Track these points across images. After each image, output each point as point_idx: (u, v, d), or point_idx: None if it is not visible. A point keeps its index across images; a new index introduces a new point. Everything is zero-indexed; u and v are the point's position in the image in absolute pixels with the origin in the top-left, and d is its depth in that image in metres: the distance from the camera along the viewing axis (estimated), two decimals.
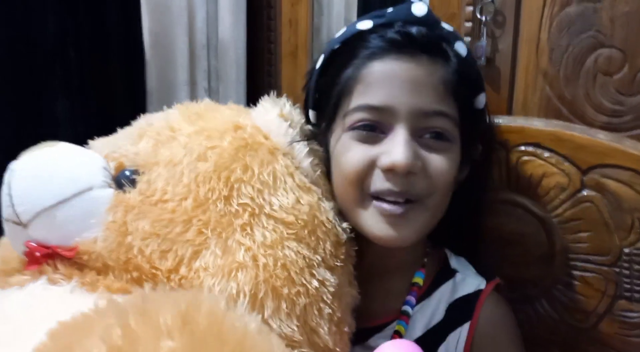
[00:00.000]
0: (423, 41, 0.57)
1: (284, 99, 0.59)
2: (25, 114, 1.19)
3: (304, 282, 0.48)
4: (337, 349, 0.50)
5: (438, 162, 0.56)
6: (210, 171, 0.50)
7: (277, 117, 0.56)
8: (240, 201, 0.49)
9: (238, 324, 0.31)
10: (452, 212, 0.61)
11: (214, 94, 1.59)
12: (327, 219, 0.54)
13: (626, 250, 0.62)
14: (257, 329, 0.33)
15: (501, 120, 0.70)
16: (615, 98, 1.02)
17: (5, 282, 0.51)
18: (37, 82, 1.18)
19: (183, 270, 0.46)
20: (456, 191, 0.61)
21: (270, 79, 1.60)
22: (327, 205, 0.55)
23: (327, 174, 0.60)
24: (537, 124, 0.68)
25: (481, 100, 0.62)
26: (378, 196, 0.56)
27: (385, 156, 0.55)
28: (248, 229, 0.48)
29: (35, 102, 1.19)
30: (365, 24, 0.60)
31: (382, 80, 0.56)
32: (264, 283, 0.46)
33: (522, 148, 0.68)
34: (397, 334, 0.60)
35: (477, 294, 0.62)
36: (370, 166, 0.56)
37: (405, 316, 0.61)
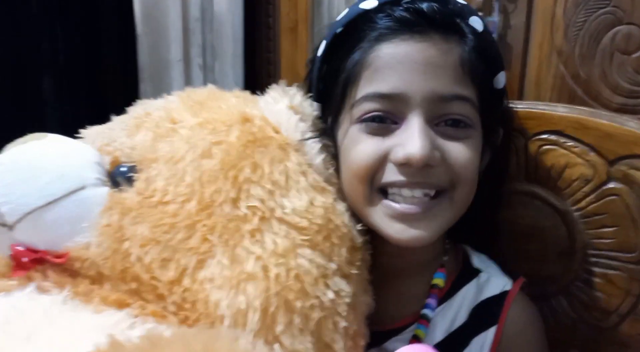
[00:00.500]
0: (435, 18, 0.51)
1: (294, 89, 0.54)
2: (10, 91, 1.13)
3: (318, 294, 0.44)
4: None
5: (459, 151, 0.51)
6: (216, 170, 0.46)
7: (286, 109, 0.51)
8: (249, 204, 0.45)
9: None
10: (473, 204, 0.57)
11: (209, 71, 1.53)
12: (343, 222, 0.49)
13: None
14: None
15: (520, 106, 0.65)
16: (633, 78, 0.99)
17: None
18: (23, 59, 1.12)
19: (186, 281, 0.42)
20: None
21: (269, 55, 1.54)
22: (341, 206, 0.51)
23: (337, 171, 0.55)
24: (561, 110, 0.63)
25: (501, 79, 0.57)
26: (388, 191, 0.52)
27: (399, 149, 0.50)
28: (258, 235, 0.44)
29: (21, 78, 1.14)
30: (370, 3, 0.54)
31: (392, 64, 0.51)
32: (275, 296, 0.42)
33: (543, 136, 0.64)
34: (416, 339, 0.57)
35: (502, 295, 0.59)
36: (381, 161, 0.51)
37: (425, 320, 0.57)
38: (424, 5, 0.51)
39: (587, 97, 1.04)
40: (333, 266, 0.46)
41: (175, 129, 0.48)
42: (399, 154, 0.50)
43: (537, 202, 0.65)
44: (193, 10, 1.33)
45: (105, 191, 0.46)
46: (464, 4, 0.55)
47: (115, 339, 0.31)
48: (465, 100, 0.52)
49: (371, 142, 0.51)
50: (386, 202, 0.52)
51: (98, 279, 0.43)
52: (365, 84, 0.52)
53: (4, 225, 0.44)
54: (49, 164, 0.45)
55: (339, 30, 0.56)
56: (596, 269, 0.62)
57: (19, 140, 0.47)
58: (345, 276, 0.47)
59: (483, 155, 0.57)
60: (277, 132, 0.50)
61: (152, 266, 0.42)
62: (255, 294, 0.42)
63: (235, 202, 0.45)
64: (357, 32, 0.54)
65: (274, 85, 0.56)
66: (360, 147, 0.52)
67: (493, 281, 0.61)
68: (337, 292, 0.46)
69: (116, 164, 0.48)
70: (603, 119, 0.61)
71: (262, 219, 0.45)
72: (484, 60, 0.54)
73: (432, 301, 0.58)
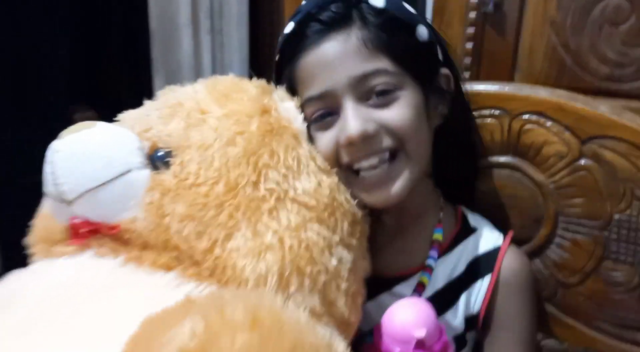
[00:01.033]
0: (332, 21, 0.60)
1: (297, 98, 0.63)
2: (20, 60, 1.19)
3: (324, 261, 0.53)
4: (352, 317, 0.57)
5: (392, 114, 0.60)
6: (239, 156, 0.54)
7: (294, 108, 0.60)
8: (268, 186, 0.54)
9: (293, 318, 0.37)
10: (450, 152, 0.68)
11: (217, 34, 1.58)
12: (345, 199, 0.58)
13: (616, 216, 0.68)
14: (306, 321, 0.39)
15: (507, 88, 0.72)
16: (620, 49, 1.05)
17: (49, 252, 0.57)
18: (32, 27, 1.17)
19: (217, 250, 0.51)
20: (444, 128, 0.66)
21: (273, 16, 1.59)
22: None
23: None
24: (543, 93, 0.70)
25: (422, 32, 0.64)
26: (354, 168, 0.61)
27: (341, 135, 0.59)
28: (275, 213, 0.53)
29: (38, 46, 1.19)
30: (288, 27, 0.65)
31: (312, 70, 0.61)
32: (289, 263, 0.51)
33: (526, 116, 0.71)
34: (421, 285, 0.67)
35: (496, 249, 0.69)
36: (337, 148, 0.61)
37: (429, 268, 0.67)
38: (324, 15, 0.61)
39: (576, 66, 1.09)
40: (336, 237, 0.56)
41: (204, 119, 0.56)
42: (342, 138, 0.59)
43: (517, 174, 0.73)
44: None
45: (148, 173, 0.54)
46: None
47: (189, 297, 0.39)
48: (380, 71, 0.60)
49: (324, 136, 0.61)
50: (358, 178, 0.61)
51: (144, 247, 0.52)
52: (302, 91, 0.62)
53: (64, 201, 0.53)
54: (101, 150, 0.54)
55: (277, 57, 0.67)
56: (566, 234, 0.71)
57: (72, 128, 0.55)
58: (347, 246, 0.57)
59: (435, 102, 0.65)
60: (289, 122, 0.59)
61: (189, 238, 0.52)
62: (273, 261, 0.51)
63: (256, 184, 0.54)
64: (287, 53, 0.65)
65: (280, 87, 0.65)
66: (319, 144, 0.61)
67: (487, 237, 0.70)
68: (339, 260, 0.55)
69: (154, 149, 0.56)
70: (578, 103, 0.68)
71: (278, 199, 0.54)
72: (393, 29, 0.61)
73: (434, 253, 0.68)
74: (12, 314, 0.45)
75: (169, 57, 1.57)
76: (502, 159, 0.74)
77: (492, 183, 0.75)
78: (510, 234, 0.71)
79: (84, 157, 0.53)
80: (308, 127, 0.62)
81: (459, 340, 0.68)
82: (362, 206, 0.62)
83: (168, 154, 0.55)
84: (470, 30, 1.22)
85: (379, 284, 0.66)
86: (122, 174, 0.53)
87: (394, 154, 0.61)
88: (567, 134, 0.69)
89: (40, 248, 0.57)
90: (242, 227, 0.52)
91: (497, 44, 1.19)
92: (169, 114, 0.58)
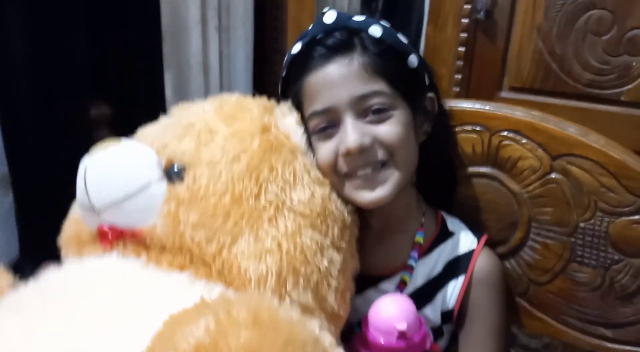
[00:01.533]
0: (336, 47, 0.69)
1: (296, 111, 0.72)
2: (36, 58, 1.26)
3: (317, 262, 0.61)
4: (341, 311, 0.66)
5: (385, 130, 0.68)
6: (243, 171, 0.62)
7: (295, 123, 0.67)
8: (268, 198, 0.62)
9: (287, 316, 0.46)
10: (432, 163, 0.76)
11: (224, 31, 1.65)
12: (336, 207, 0.67)
13: (581, 224, 0.76)
14: (298, 319, 0.47)
15: (487, 107, 0.80)
16: (602, 58, 1.12)
17: (80, 250, 0.66)
18: (48, 26, 1.24)
19: (225, 254, 0.60)
20: (429, 144, 0.75)
21: (277, 11, 1.66)
22: (335, 195, 0.68)
23: None
24: (519, 113, 0.78)
25: (412, 60, 0.72)
26: (349, 175, 0.69)
27: (341, 145, 0.68)
28: (274, 221, 0.61)
29: (47, 47, 1.26)
30: (296, 48, 0.72)
31: (317, 88, 0.69)
32: (286, 265, 0.59)
33: (504, 133, 0.79)
34: (403, 282, 0.76)
35: (471, 252, 0.77)
36: (335, 157, 0.69)
37: (410, 268, 0.76)
38: (329, 41, 0.69)
39: (560, 72, 1.16)
40: (328, 241, 0.64)
41: (213, 138, 0.65)
42: (342, 149, 0.67)
43: (495, 183, 0.81)
44: None
45: (165, 185, 0.63)
46: (364, 20, 0.71)
47: (203, 299, 0.47)
48: (377, 93, 0.68)
49: (325, 146, 0.69)
50: (352, 181, 0.69)
51: (162, 250, 0.61)
52: (307, 106, 0.70)
53: (93, 210, 0.62)
54: (126, 166, 0.62)
55: (283, 73, 0.75)
56: (537, 238, 0.79)
57: (100, 145, 0.63)
58: (337, 248, 0.65)
59: (421, 120, 0.73)
60: (287, 138, 0.67)
61: (200, 243, 0.60)
62: (272, 263, 0.59)
63: (257, 196, 0.62)
64: (293, 70, 0.73)
65: (282, 103, 0.73)
66: (320, 152, 0.69)
67: (463, 240, 0.78)
68: (330, 261, 0.63)
69: (170, 164, 0.64)
70: (550, 124, 0.76)
71: (277, 208, 0.62)
72: (388, 57, 0.69)
73: (414, 254, 0.76)
74: (50, 311, 0.54)
75: (179, 53, 1.64)
76: (482, 169, 0.81)
77: (474, 190, 0.83)
78: (484, 237, 0.79)
79: (111, 172, 0.61)
80: (309, 138, 0.70)
81: (437, 331, 0.77)
82: (352, 211, 0.70)
83: (182, 169, 0.63)
84: (463, 35, 1.28)
85: (365, 281, 0.74)
86: (144, 187, 0.61)
87: (384, 164, 0.69)
88: (539, 151, 0.76)
89: (71, 248, 0.66)
90: (245, 234, 0.60)
91: (488, 49, 1.26)
92: (182, 134, 0.66)
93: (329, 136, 0.69)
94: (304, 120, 0.71)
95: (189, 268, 0.60)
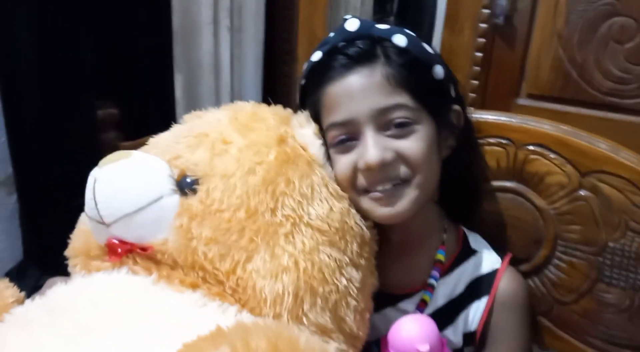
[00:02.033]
0: (358, 56, 0.65)
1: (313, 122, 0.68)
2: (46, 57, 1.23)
3: (336, 281, 0.58)
4: (360, 332, 0.62)
5: (408, 145, 0.64)
6: (259, 185, 0.59)
7: (312, 134, 0.64)
8: (284, 212, 0.59)
9: (309, 348, 0.42)
10: (455, 177, 0.72)
11: (236, 31, 1.62)
12: (355, 222, 0.63)
13: (610, 244, 0.72)
14: (320, 348, 0.44)
15: (515, 120, 0.76)
16: (624, 66, 1.08)
17: (88, 265, 0.63)
18: (58, 25, 1.22)
19: (239, 271, 0.57)
20: (453, 159, 0.71)
21: (288, 12, 1.63)
22: (354, 209, 0.64)
23: None
24: (547, 127, 0.75)
25: (438, 71, 0.68)
26: (369, 190, 0.65)
27: (360, 161, 0.64)
28: (290, 237, 0.58)
29: (57, 46, 1.24)
30: (316, 56, 0.69)
31: (337, 99, 0.66)
32: (304, 284, 0.56)
33: (531, 147, 0.75)
34: (423, 302, 0.72)
35: (494, 271, 0.73)
36: (354, 172, 0.65)
37: (430, 287, 0.73)
38: (351, 50, 0.66)
39: (580, 80, 1.13)
40: (346, 259, 0.61)
41: (227, 150, 0.61)
42: (361, 164, 0.64)
43: (521, 199, 0.78)
44: None
45: (177, 199, 0.60)
46: (388, 28, 0.67)
47: (219, 327, 0.44)
48: (400, 106, 0.64)
49: (344, 159, 0.66)
50: (369, 195, 0.65)
51: (174, 267, 0.58)
52: (326, 117, 0.67)
53: (102, 223, 0.59)
54: (137, 179, 0.59)
55: (302, 82, 0.72)
56: (564, 256, 0.76)
57: (110, 157, 0.60)
58: (356, 266, 0.62)
59: (445, 135, 0.70)
60: (305, 149, 0.64)
61: (214, 259, 0.57)
62: (289, 282, 0.56)
63: (273, 211, 0.59)
64: (312, 79, 0.70)
65: (300, 112, 0.69)
66: (338, 166, 0.66)
67: (486, 259, 0.75)
68: (349, 279, 0.60)
69: (182, 175, 0.61)
70: (581, 139, 0.72)
71: (294, 224, 0.59)
72: (413, 67, 0.66)
73: (435, 273, 0.73)
74: (57, 328, 0.51)
75: (190, 54, 1.62)
76: (507, 184, 0.78)
77: (497, 205, 0.79)
78: (508, 256, 0.75)
79: (122, 185, 0.58)
80: (327, 150, 0.67)
81: None
82: (371, 225, 0.67)
83: (195, 181, 0.60)
84: (481, 40, 1.25)
85: (384, 299, 0.71)
86: (155, 200, 0.58)
87: (405, 180, 0.65)
88: (568, 167, 0.73)
89: (79, 261, 0.63)
90: (261, 251, 0.57)
91: (506, 55, 1.23)
92: (195, 144, 0.63)
93: (348, 149, 0.66)
94: (322, 132, 0.68)
95: (202, 286, 0.57)
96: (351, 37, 0.66)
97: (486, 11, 1.21)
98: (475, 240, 0.77)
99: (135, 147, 0.66)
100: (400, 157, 0.64)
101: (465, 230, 0.78)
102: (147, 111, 1.61)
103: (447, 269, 0.74)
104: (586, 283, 0.75)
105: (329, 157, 0.67)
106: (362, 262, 0.63)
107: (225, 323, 0.45)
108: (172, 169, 0.62)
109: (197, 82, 1.66)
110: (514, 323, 0.72)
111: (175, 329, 0.47)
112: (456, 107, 0.72)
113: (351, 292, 0.60)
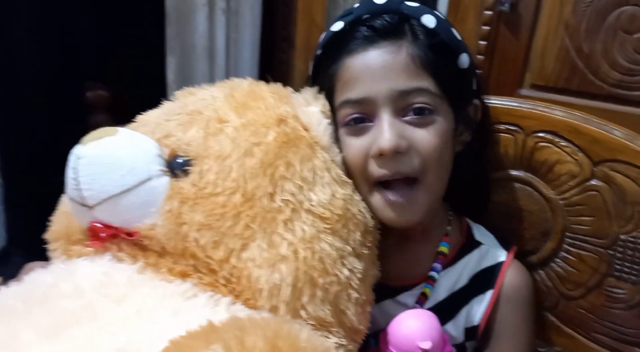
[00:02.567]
0: (384, 30, 0.61)
1: (323, 99, 0.63)
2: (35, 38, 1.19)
3: (337, 272, 0.54)
4: (361, 326, 0.59)
5: (425, 137, 0.60)
6: (256, 167, 0.55)
7: (319, 112, 0.60)
8: (283, 198, 0.55)
9: (310, 347, 0.38)
10: (466, 172, 0.69)
11: (232, 14, 1.57)
12: (359, 210, 0.59)
13: (622, 237, 0.69)
14: (322, 347, 0.40)
15: (524, 105, 0.73)
16: (632, 57, 1.05)
17: (69, 250, 0.58)
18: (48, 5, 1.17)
19: (233, 260, 0.53)
20: (465, 153, 0.67)
21: None
22: (358, 196, 0.61)
23: None
24: (558, 113, 0.71)
25: (464, 60, 0.65)
26: (381, 183, 0.62)
27: (374, 145, 0.60)
28: (290, 224, 0.54)
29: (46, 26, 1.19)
30: (337, 26, 0.64)
31: (356, 74, 0.61)
32: (303, 274, 0.53)
33: (541, 134, 0.72)
34: (424, 295, 0.69)
35: (498, 265, 0.70)
36: (366, 157, 0.61)
37: (432, 280, 0.69)
38: (377, 23, 0.61)
39: (587, 71, 1.10)
40: (349, 248, 0.57)
41: (222, 129, 0.57)
42: (374, 149, 0.60)
43: (529, 189, 0.74)
44: None
45: (167, 180, 0.55)
46: (417, 6, 0.63)
47: (211, 322, 0.40)
48: (423, 90, 0.60)
49: (355, 143, 0.62)
50: (382, 192, 0.62)
51: (162, 254, 0.54)
52: (340, 93, 0.62)
53: (85, 205, 0.54)
54: (123, 158, 0.54)
55: (318, 52, 0.67)
56: (572, 249, 0.73)
57: (94, 134, 0.55)
58: (358, 256, 0.58)
59: (461, 129, 0.66)
60: (306, 130, 0.59)
61: (206, 247, 0.53)
62: (287, 272, 0.52)
63: (272, 196, 0.55)
64: (330, 51, 0.65)
65: (307, 88, 0.64)
66: (348, 149, 0.62)
67: (491, 252, 0.71)
68: (351, 270, 0.56)
69: (173, 155, 0.57)
70: (593, 126, 0.69)
71: (293, 210, 0.55)
72: (440, 51, 0.62)
73: (437, 265, 0.70)
74: (33, 319, 0.47)
75: (184, 36, 1.57)
76: (514, 173, 0.75)
77: (504, 195, 0.76)
78: (514, 249, 0.72)
79: (107, 164, 0.54)
80: (336, 130, 0.63)
81: (459, 348, 0.70)
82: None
83: (187, 162, 0.56)
84: (485, 28, 1.22)
85: (382, 291, 0.67)
86: (142, 182, 0.54)
87: (415, 181, 0.62)
88: (580, 155, 0.69)
89: (59, 245, 0.59)
90: (257, 238, 0.53)
91: (510, 43, 1.20)
92: (188, 122, 0.58)
93: (359, 132, 0.62)
94: (333, 109, 0.64)
95: (192, 276, 0.53)
96: (378, 11, 0.62)
97: None
98: (479, 232, 0.73)
99: None
100: (414, 149, 0.60)
101: (470, 222, 0.74)
102: (138, 95, 1.56)
103: (449, 262, 0.70)
104: (595, 277, 0.72)
105: (337, 139, 0.63)
106: (365, 251, 0.59)
107: (218, 317, 0.41)
108: (162, 148, 0.57)
109: (190, 66, 1.61)
110: (520, 318, 0.69)
111: (162, 323, 0.43)
112: (476, 101, 0.68)
113: (353, 283, 0.56)
